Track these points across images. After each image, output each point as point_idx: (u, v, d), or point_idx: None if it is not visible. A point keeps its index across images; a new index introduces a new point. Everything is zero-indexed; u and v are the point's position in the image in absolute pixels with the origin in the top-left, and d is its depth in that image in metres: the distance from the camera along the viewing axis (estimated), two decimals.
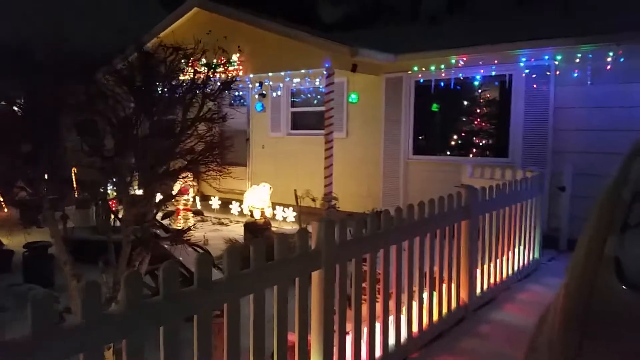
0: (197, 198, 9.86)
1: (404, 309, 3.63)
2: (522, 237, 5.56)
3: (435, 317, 4.00)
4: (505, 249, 5.17)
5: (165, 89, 3.43)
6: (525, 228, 5.61)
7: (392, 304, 3.49)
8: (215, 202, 9.36)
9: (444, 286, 4.14)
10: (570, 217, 6.89)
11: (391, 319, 3.50)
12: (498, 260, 5.03)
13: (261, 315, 2.47)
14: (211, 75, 3.77)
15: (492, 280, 4.91)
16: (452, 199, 4.17)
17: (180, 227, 7.76)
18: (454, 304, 4.26)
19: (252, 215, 6.68)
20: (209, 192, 11.31)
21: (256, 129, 10.62)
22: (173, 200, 8.14)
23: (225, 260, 2.33)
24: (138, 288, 1.98)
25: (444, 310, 4.13)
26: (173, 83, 3.48)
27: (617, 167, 2.27)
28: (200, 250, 5.30)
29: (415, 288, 3.75)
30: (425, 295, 3.88)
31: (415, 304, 3.75)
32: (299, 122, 10.06)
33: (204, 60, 8.48)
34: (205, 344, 2.21)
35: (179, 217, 7.89)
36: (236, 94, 10.34)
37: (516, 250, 5.43)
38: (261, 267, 2.49)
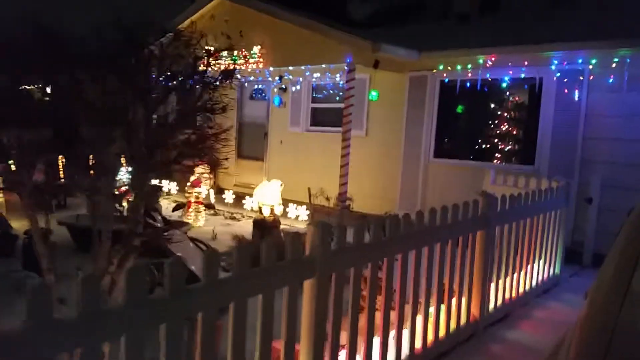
0: (212, 191, 9.73)
1: (407, 323, 3.38)
2: (543, 251, 5.22)
3: (442, 332, 3.73)
4: (524, 262, 4.85)
5: (164, 77, 3.24)
6: (546, 241, 5.27)
7: (394, 317, 3.25)
8: (229, 196, 9.21)
9: (454, 299, 3.87)
10: (596, 231, 6.49)
11: (392, 333, 3.26)
12: (515, 275, 4.71)
13: (244, 326, 2.26)
14: (221, 64, 3.56)
15: (507, 296, 4.60)
16: (467, 207, 3.89)
17: (188, 220, 7.64)
18: (463, 319, 3.98)
19: (261, 212, 6.50)
20: (224, 186, 11.22)
21: (275, 124, 10.44)
22: (186, 192, 8.04)
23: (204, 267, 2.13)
24: (140, 283, 1.89)
25: (452, 325, 3.86)
26: (172, 70, 3.29)
27: None
28: (203, 247, 5.14)
29: (422, 300, 3.49)
30: (432, 308, 3.62)
31: (420, 318, 3.49)
32: (319, 118, 9.84)
33: (225, 53, 8.30)
34: (209, 344, 2.08)
35: (190, 209, 7.75)
36: (256, 86, 10.18)
37: (535, 264, 5.10)
38: (242, 275, 2.27)
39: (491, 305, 4.34)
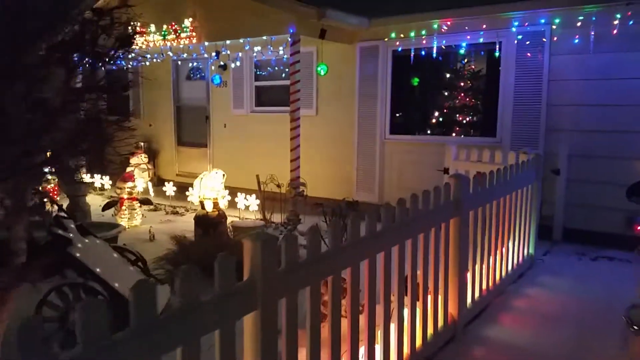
0: (150, 184, 8.81)
1: (379, 334, 2.77)
2: (517, 232, 4.75)
3: (418, 342, 3.16)
4: (499, 247, 4.36)
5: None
6: (520, 221, 4.80)
7: (363, 325, 2.64)
8: (169, 188, 8.33)
9: (429, 299, 3.29)
10: (565, 204, 6.13)
11: (362, 351, 2.65)
12: (491, 262, 4.21)
13: None
14: (149, 41, 2.74)
15: (484, 286, 4.09)
16: (439, 193, 3.29)
17: (121, 220, 6.76)
18: (440, 322, 3.42)
19: (203, 207, 5.72)
20: (166, 176, 10.29)
21: (217, 106, 9.55)
22: (117, 188, 7.12)
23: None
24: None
25: (429, 331, 3.30)
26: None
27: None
28: (132, 256, 4.34)
29: (394, 305, 2.90)
30: (406, 313, 3.03)
31: (393, 328, 2.89)
32: (265, 97, 9.04)
33: (152, 28, 7.31)
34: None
35: (123, 207, 6.86)
36: (191, 64, 9.23)
37: (510, 248, 4.63)
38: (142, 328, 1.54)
39: (469, 299, 3.81)
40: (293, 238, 2.15)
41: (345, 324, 2.50)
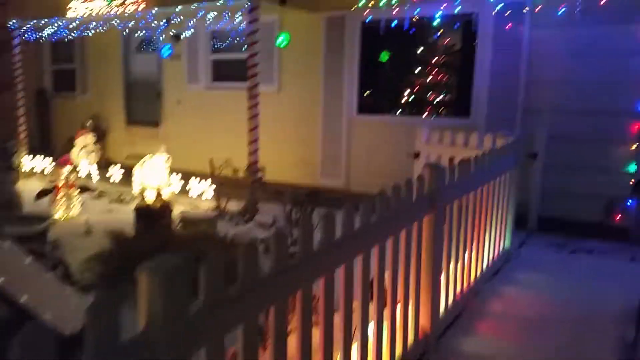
0: (94, 168, 8.02)
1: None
2: (493, 225, 4.29)
3: None
4: (475, 243, 3.89)
5: None
6: (497, 213, 4.34)
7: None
8: (116, 172, 7.58)
9: (398, 310, 2.78)
10: (542, 190, 5.72)
11: None
12: (466, 261, 3.74)
13: None
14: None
15: (458, 289, 3.63)
16: (410, 188, 2.76)
17: (56, 211, 6.03)
18: (410, 338, 2.93)
19: (144, 198, 5.06)
20: (117, 158, 9.50)
21: (170, 81, 8.76)
22: (51, 174, 6.35)
23: None
24: None
25: (398, 351, 2.79)
26: None
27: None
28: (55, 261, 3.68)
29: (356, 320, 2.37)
30: (371, 328, 2.52)
31: (355, 351, 2.37)
32: (223, 72, 8.29)
33: None
34: None
35: (59, 196, 6.11)
36: (137, 34, 8.37)
37: (486, 242, 4.17)
38: None
39: (442, 307, 3.33)
40: (216, 272, 1.56)
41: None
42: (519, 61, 5.80)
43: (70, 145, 9.09)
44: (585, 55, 5.40)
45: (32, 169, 8.74)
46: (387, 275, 2.65)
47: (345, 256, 2.23)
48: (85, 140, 9.08)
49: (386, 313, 2.63)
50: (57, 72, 10.52)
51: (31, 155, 8.94)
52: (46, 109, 10.69)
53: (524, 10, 5.54)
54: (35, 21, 8.51)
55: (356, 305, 2.36)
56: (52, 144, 10.53)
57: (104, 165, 8.75)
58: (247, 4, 5.89)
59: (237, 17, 6.16)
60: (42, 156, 8.82)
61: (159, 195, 4.99)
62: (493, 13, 5.77)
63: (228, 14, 6.12)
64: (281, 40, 6.26)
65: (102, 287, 3.96)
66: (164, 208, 4.97)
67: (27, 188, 7.52)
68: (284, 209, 5.00)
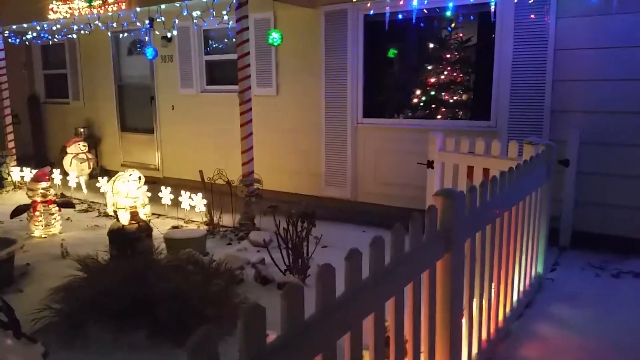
0: (82, 179, 7.46)
1: None
2: (524, 250, 3.60)
3: None
4: (502, 275, 3.20)
5: None
6: (528, 235, 3.65)
7: None
8: (105, 184, 7.00)
9: None
10: (575, 202, 5.01)
11: None
12: (493, 298, 3.06)
13: None
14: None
15: (484, 334, 2.95)
16: (417, 226, 2.10)
17: (35, 228, 5.48)
18: None
19: (118, 219, 4.46)
20: (111, 167, 8.97)
21: (163, 85, 8.18)
22: (28, 190, 5.80)
23: None
24: None
25: None
26: None
27: None
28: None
29: None
30: None
31: None
32: (218, 75, 7.69)
33: None
34: None
35: (37, 213, 5.56)
36: (122, 34, 7.77)
37: (515, 271, 3.48)
38: None
39: (464, 358, 2.66)
40: None
41: None
42: (545, 55, 5.08)
43: (63, 153, 8.58)
44: (623, 48, 4.66)
45: (22, 178, 8.22)
46: (390, 322, 2.00)
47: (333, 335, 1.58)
48: (77, 149, 8.58)
49: None
50: (48, 77, 10.03)
51: (20, 166, 8.43)
52: (39, 115, 10.22)
53: None
54: (15, 26, 8.01)
55: None
56: (47, 152, 10.04)
57: (97, 174, 8.21)
58: (234, 1, 5.26)
59: (224, 15, 5.54)
60: (34, 166, 8.31)
61: (134, 216, 4.39)
62: (514, 1, 5.05)
63: (214, 12, 5.49)
64: (273, 38, 5.60)
65: (58, 330, 3.40)
66: (140, 231, 4.36)
67: (13, 201, 7.02)
68: (275, 224, 4.36)
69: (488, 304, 2.98)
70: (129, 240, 4.23)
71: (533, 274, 3.91)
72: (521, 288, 3.61)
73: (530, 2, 4.92)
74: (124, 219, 4.38)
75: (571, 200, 5.01)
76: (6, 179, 8.25)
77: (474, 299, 2.78)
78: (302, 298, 1.39)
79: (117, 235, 4.30)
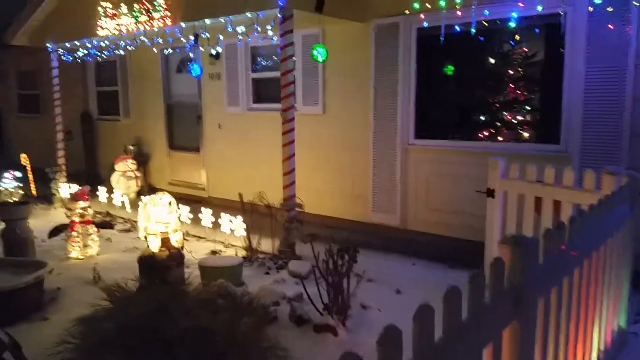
0: (126, 199, 7.37)
1: None
2: (604, 302, 3.02)
3: None
4: (580, 334, 2.65)
5: None
6: (609, 283, 3.06)
7: None
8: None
9: None
10: None
11: None
12: None
13: None
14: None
15: None
16: (479, 292, 1.64)
17: (72, 249, 5.36)
18: None
19: (148, 245, 4.22)
20: (159, 185, 8.91)
21: (210, 103, 8.06)
22: (67, 209, 5.72)
23: None
24: None
25: None
26: None
27: None
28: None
29: None
30: None
31: None
32: (265, 92, 7.46)
33: (124, 9, 5.81)
34: None
35: (74, 233, 5.44)
36: (169, 50, 7.69)
37: (595, 327, 2.90)
38: None
39: None
40: None
41: None
42: (624, 72, 4.47)
43: (113, 171, 8.61)
44: None
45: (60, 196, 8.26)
46: None
47: None
48: (125, 166, 8.58)
49: None
50: (101, 94, 10.21)
51: (70, 182, 8.51)
52: (92, 132, 10.40)
53: (635, 3, 4.21)
54: (68, 44, 8.16)
55: None
56: (99, 169, 10.17)
57: (147, 191, 8.13)
58: (278, 15, 4.99)
59: (268, 30, 5.28)
60: (84, 183, 8.35)
61: (165, 242, 4.13)
62: (588, 10, 4.48)
63: (258, 27, 5.24)
64: (317, 53, 5.27)
65: None
66: (171, 259, 4.09)
67: (58, 219, 7.01)
68: (318, 256, 3.97)
69: None
70: (159, 269, 3.96)
71: (615, 327, 3.30)
72: (601, 347, 3.03)
73: (608, 10, 4.33)
74: (154, 245, 4.13)
75: None
76: (55, 195, 8.33)
77: None
78: None
79: (146, 263, 4.05)
